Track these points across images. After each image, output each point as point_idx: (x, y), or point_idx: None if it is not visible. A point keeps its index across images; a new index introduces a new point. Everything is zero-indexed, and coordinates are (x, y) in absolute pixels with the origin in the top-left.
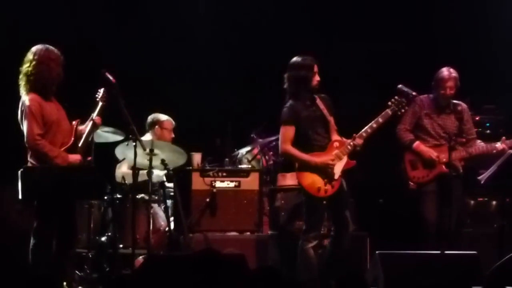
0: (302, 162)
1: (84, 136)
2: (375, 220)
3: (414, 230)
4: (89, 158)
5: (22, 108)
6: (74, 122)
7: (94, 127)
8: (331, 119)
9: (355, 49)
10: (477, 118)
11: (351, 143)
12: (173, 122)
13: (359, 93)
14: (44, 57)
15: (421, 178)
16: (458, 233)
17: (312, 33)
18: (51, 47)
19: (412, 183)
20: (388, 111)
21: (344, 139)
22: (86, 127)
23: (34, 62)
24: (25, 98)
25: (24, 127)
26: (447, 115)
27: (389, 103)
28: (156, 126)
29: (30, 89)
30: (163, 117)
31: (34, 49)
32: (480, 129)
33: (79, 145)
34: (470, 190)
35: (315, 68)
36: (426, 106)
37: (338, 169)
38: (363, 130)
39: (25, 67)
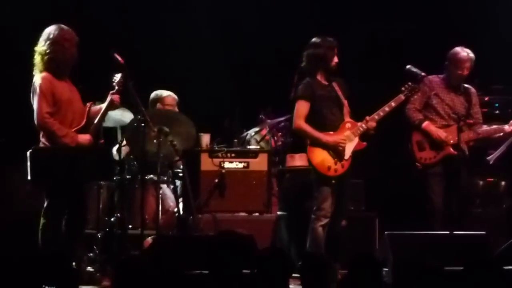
0: (314, 139)
1: (99, 114)
2: (384, 201)
3: (423, 211)
4: (101, 141)
5: (33, 87)
6: (87, 104)
7: (112, 105)
8: (345, 102)
9: (363, 30)
10: (486, 99)
11: (363, 125)
12: (176, 97)
13: (366, 76)
14: (58, 37)
15: (428, 160)
16: (466, 214)
17: (321, 14)
18: (66, 27)
19: (418, 164)
20: (401, 96)
21: (356, 122)
22: (102, 106)
23: (48, 42)
24: (37, 76)
25: (34, 105)
26: (456, 96)
27: (403, 88)
28: (158, 104)
29: (43, 68)
30: (164, 93)
31: (49, 29)
32: (489, 110)
33: (95, 122)
34: (479, 171)
35: (336, 50)
36: (436, 86)
37: (348, 149)
38: (375, 113)
39: (40, 47)
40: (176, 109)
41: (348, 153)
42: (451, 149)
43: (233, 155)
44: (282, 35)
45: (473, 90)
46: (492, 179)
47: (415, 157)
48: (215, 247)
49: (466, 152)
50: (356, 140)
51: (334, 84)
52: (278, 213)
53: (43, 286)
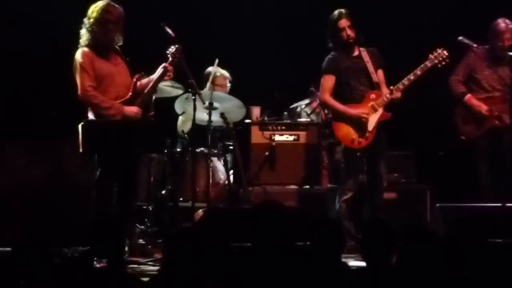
0: (337, 113)
1: (149, 86)
2: (435, 173)
3: (475, 183)
4: (151, 113)
5: (75, 63)
6: (135, 76)
7: (164, 76)
8: (375, 72)
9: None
10: None
11: (387, 96)
12: (228, 76)
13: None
14: (104, 17)
15: (472, 133)
16: None
17: None
18: (113, 6)
19: (463, 137)
20: (428, 63)
21: (382, 91)
22: (153, 77)
23: (92, 20)
24: (78, 52)
25: (77, 80)
26: (502, 67)
27: (430, 55)
28: (209, 83)
29: (85, 44)
30: (216, 72)
31: (95, 5)
32: None
33: (144, 93)
34: None
35: (341, 24)
36: (480, 57)
37: (372, 121)
38: (400, 82)
39: (86, 20)
40: (227, 88)
41: (372, 124)
42: (496, 121)
43: (283, 127)
44: (334, 8)
45: None
46: None
47: (459, 130)
48: (259, 218)
49: (510, 123)
50: (381, 111)
51: (364, 54)
52: (328, 185)
53: (95, 259)
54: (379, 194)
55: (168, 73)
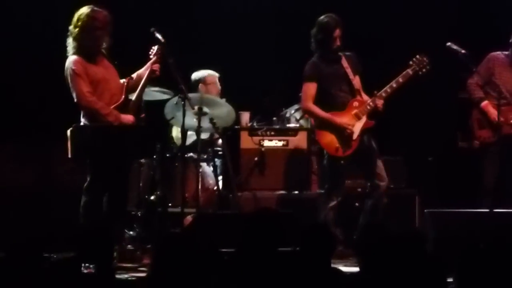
0: (321, 121)
1: (138, 88)
2: (424, 179)
3: (464, 188)
4: (143, 115)
5: (67, 72)
6: (124, 80)
7: (151, 74)
8: (354, 78)
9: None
10: None
11: (370, 103)
12: (216, 74)
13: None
14: (88, 25)
15: (487, 139)
16: None
17: None
18: (98, 11)
19: (477, 142)
20: (409, 71)
21: (364, 99)
22: (143, 76)
23: (77, 29)
24: (69, 60)
25: (73, 89)
26: None
27: (410, 62)
28: (200, 84)
29: (74, 51)
30: (204, 73)
31: (80, 12)
32: None
33: (134, 97)
34: None
35: (336, 33)
36: (501, 62)
37: (356, 129)
38: (382, 90)
39: (71, 28)
40: (219, 86)
41: (356, 133)
42: (511, 129)
43: (272, 133)
44: (323, 12)
45: None
46: None
47: (474, 134)
48: (250, 224)
49: None
50: (364, 118)
51: (343, 60)
52: (318, 191)
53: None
54: (381, 196)
55: (154, 72)
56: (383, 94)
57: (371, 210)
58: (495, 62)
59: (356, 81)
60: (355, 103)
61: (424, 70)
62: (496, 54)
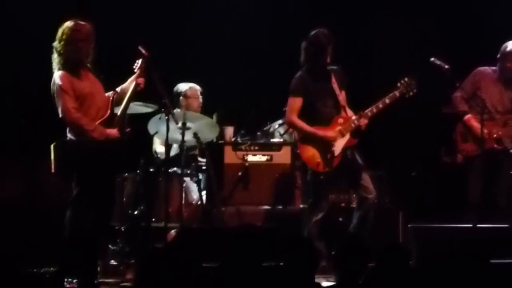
0: (305, 134)
1: (123, 102)
2: (408, 194)
3: (447, 203)
4: (128, 130)
5: (53, 87)
6: (110, 94)
7: (136, 88)
8: (340, 94)
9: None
10: None
11: (355, 121)
12: (198, 88)
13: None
14: (72, 38)
15: (470, 152)
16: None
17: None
18: (81, 24)
19: (460, 156)
20: (396, 93)
21: (349, 116)
22: (128, 90)
23: (62, 42)
24: (55, 75)
25: (58, 104)
26: (506, 89)
27: (398, 84)
28: (181, 97)
29: (60, 67)
30: (185, 86)
31: (64, 27)
32: None
33: (119, 111)
34: None
35: (329, 49)
36: (486, 77)
37: (339, 146)
38: (368, 110)
39: (56, 44)
40: (200, 100)
41: (338, 149)
42: (494, 144)
43: (256, 148)
44: (309, 28)
45: None
46: None
47: (458, 147)
48: (234, 240)
49: (509, 147)
50: (348, 136)
51: (331, 75)
52: (301, 206)
53: (66, 279)
54: (370, 209)
55: (139, 86)
56: (369, 114)
57: (359, 222)
58: (482, 76)
59: (342, 97)
60: (340, 120)
61: (411, 93)
62: (483, 69)
